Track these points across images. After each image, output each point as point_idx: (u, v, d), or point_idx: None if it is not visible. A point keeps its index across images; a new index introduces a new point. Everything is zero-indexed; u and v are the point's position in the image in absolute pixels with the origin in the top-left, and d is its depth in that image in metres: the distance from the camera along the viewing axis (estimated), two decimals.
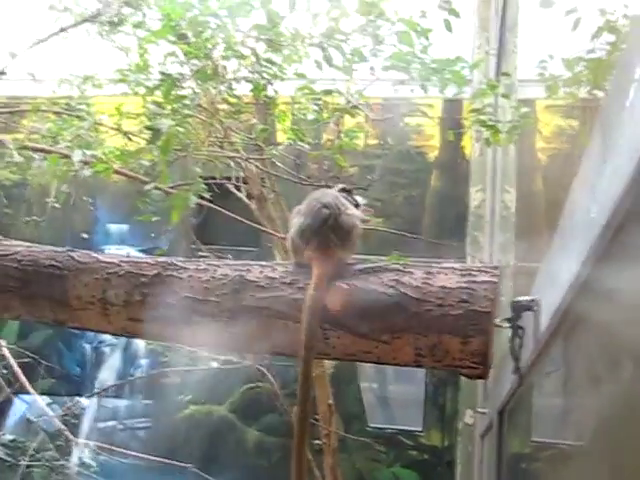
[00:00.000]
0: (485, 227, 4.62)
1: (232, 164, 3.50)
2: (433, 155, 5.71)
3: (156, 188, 3.25)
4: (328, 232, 1.90)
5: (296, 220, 1.95)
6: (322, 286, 1.87)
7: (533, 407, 2.74)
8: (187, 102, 3.02)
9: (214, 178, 3.57)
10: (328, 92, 3.12)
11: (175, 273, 2.03)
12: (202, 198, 3.28)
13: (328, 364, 3.56)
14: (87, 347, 6.23)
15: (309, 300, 1.85)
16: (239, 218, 3.68)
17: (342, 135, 3.21)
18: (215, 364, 4.50)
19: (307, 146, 3.14)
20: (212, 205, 3.46)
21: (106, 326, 2.12)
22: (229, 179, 3.73)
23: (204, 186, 3.18)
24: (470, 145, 4.91)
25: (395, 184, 5.46)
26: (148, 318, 2.01)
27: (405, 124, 5.63)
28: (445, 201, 5.48)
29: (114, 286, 2.06)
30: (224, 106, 3.20)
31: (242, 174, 3.53)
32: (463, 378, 1.99)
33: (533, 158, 5.17)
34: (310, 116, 3.07)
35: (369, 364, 2.29)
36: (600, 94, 3.97)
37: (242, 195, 3.76)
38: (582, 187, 1.72)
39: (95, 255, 2.17)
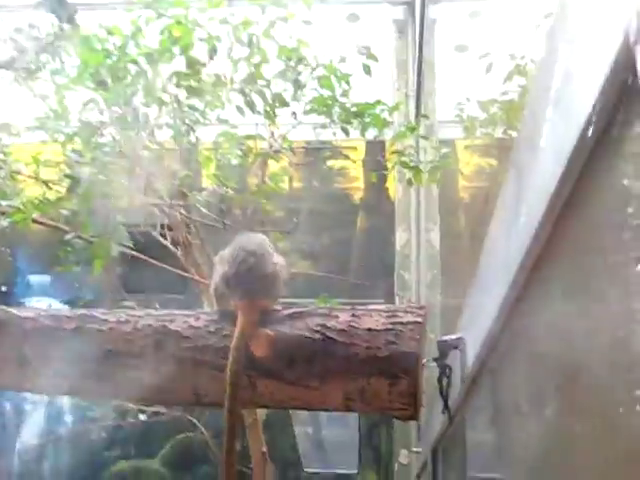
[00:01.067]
0: (411, 266, 4.68)
1: (156, 211, 3.45)
2: (358, 196, 5.76)
3: (77, 237, 3.17)
4: (252, 280, 1.89)
5: (219, 267, 1.93)
6: (247, 333, 1.86)
7: (466, 443, 2.76)
8: (107, 149, 2.97)
9: (138, 226, 3.51)
10: (250, 137, 3.13)
11: (96, 326, 1.98)
12: (125, 246, 3.22)
13: (261, 411, 3.50)
14: (7, 405, 5.97)
15: (233, 348, 1.83)
16: (164, 266, 3.62)
17: (267, 179, 3.21)
18: (143, 417, 4.37)
19: (231, 191, 3.12)
20: (136, 253, 3.40)
21: (24, 385, 2.06)
22: (153, 227, 3.69)
23: (127, 234, 3.12)
24: (394, 186, 5.00)
25: (321, 226, 5.48)
26: (69, 374, 1.95)
27: (329, 167, 5.69)
28: (372, 241, 5.53)
29: (32, 342, 2.00)
30: (146, 153, 3.16)
31: (166, 221, 3.49)
32: None
33: (455, 196, 5.30)
34: (234, 161, 3.06)
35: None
36: (514, 134, 4.14)
37: (167, 242, 3.70)
38: (499, 226, 1.77)
39: (12, 310, 2.11)
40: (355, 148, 5.07)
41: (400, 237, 4.78)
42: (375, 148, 4.96)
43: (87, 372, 1.94)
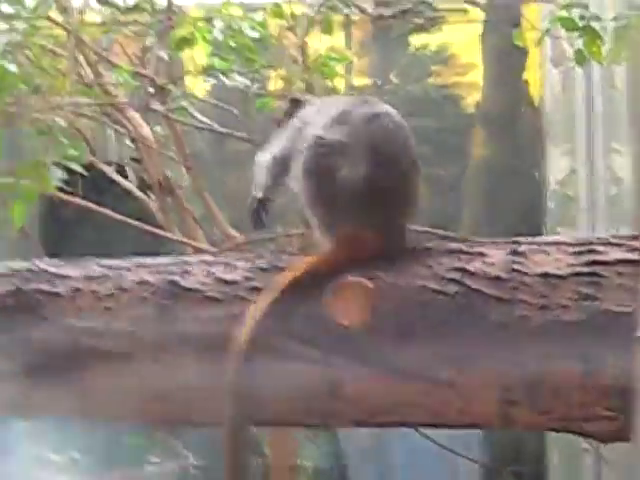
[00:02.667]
0: (580, 217, 3.95)
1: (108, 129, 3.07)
2: (472, 100, 4.69)
3: None
4: (391, 191, 1.57)
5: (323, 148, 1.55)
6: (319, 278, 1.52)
7: None
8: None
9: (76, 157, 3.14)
10: None
11: (47, 287, 1.59)
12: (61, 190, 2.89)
13: None
14: None
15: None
16: (128, 221, 3.25)
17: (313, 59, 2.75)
18: None
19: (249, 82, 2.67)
20: (76, 200, 3.04)
21: None
22: (108, 163, 3.36)
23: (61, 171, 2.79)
24: (539, 78, 4.17)
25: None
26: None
27: (417, 47, 4.66)
28: (500, 179, 4.44)
29: None
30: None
31: (130, 145, 3.10)
32: None
33: None
34: (251, 33, 2.59)
35: None
36: None
37: (129, 183, 3.34)
38: None
39: None
40: (466, 12, 4.09)
41: (556, 168, 3.97)
42: (504, 14, 4.01)
43: (35, 369, 1.56)
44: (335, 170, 1.52)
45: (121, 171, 3.44)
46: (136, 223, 3.23)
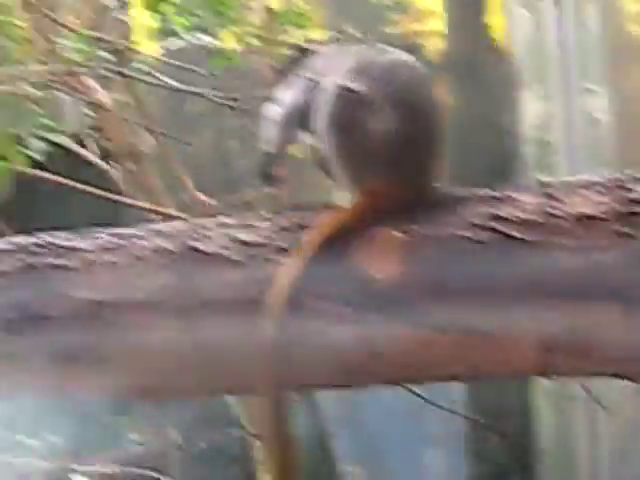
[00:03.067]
0: (557, 161, 3.81)
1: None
2: (435, 48, 4.47)
3: None
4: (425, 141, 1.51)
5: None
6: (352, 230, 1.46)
7: None
8: None
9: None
10: None
11: (55, 260, 1.49)
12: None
13: None
14: None
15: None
16: (91, 190, 3.13)
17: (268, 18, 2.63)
18: None
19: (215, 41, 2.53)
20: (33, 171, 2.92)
21: None
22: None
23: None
24: (506, 20, 3.99)
25: None
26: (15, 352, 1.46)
27: None
28: (469, 129, 4.23)
29: None
30: None
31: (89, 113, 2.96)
32: None
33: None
34: None
35: None
36: None
37: (92, 155, 3.21)
38: None
39: None
40: None
41: (530, 113, 3.81)
42: None
43: (47, 346, 1.46)
44: (364, 121, 1.43)
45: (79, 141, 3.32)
46: (103, 193, 3.13)
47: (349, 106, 1.45)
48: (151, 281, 1.46)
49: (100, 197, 3.11)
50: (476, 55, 4.17)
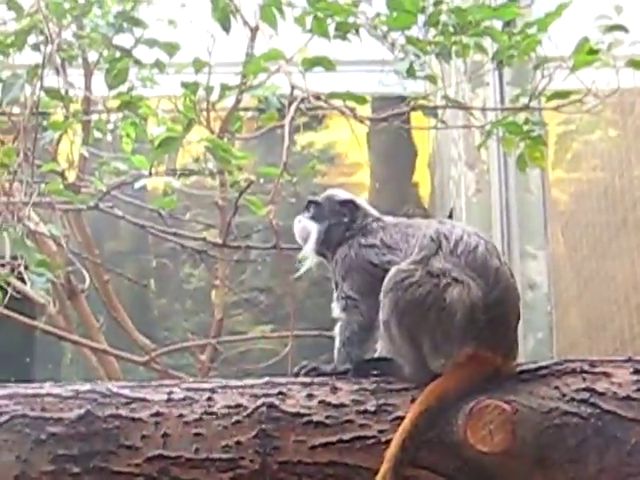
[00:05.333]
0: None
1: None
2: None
3: None
4: (512, 318, 1.51)
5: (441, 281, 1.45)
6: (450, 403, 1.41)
7: None
8: None
9: None
10: None
11: (124, 411, 1.34)
12: None
13: None
14: None
15: (407, 425, 1.37)
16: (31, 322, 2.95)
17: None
18: None
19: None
20: None
21: None
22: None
23: None
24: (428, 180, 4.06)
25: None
26: None
27: (305, 145, 4.25)
28: None
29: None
30: None
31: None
32: None
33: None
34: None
35: None
36: None
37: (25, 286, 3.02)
38: None
39: None
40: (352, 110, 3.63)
41: None
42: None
43: None
44: (448, 296, 1.43)
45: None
46: (40, 325, 2.97)
47: (434, 286, 1.45)
48: (226, 438, 1.34)
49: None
50: (399, 211, 4.06)
